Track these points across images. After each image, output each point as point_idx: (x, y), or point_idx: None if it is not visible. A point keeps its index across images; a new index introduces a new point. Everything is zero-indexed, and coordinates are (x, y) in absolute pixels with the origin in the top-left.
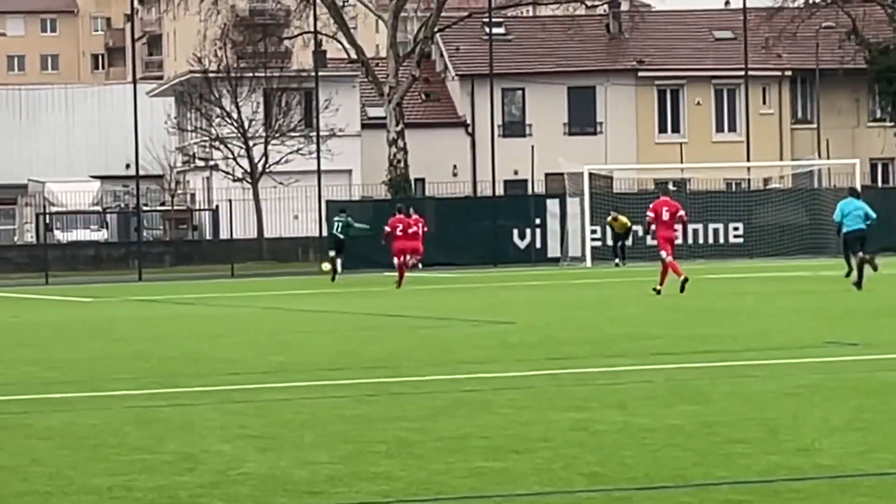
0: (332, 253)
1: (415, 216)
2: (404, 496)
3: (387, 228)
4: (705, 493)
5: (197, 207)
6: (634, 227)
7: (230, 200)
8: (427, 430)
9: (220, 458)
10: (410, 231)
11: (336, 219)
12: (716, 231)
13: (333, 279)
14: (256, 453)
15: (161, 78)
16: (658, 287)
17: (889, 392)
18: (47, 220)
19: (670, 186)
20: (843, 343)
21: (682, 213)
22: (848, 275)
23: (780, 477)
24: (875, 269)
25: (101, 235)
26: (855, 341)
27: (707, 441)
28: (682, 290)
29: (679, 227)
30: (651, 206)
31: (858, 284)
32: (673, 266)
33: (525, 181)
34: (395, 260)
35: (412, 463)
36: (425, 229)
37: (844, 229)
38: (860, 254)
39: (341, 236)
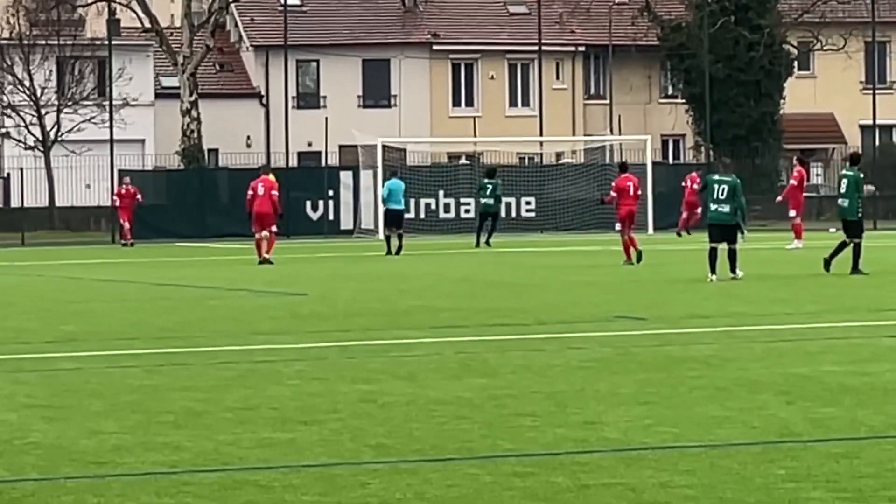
0: None
1: None
2: (192, 466)
3: None
4: (492, 465)
5: None
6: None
7: (21, 168)
8: (216, 400)
9: (6, 427)
10: None
11: None
12: (508, 205)
13: None
14: (43, 423)
15: None
16: None
17: (674, 366)
18: None
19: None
20: (631, 317)
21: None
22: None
23: (566, 450)
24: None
25: None
26: (643, 315)
27: (494, 414)
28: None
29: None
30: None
31: (389, 253)
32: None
33: (319, 153)
34: None
35: (200, 433)
36: None
37: (389, 206)
38: (395, 229)
39: None
